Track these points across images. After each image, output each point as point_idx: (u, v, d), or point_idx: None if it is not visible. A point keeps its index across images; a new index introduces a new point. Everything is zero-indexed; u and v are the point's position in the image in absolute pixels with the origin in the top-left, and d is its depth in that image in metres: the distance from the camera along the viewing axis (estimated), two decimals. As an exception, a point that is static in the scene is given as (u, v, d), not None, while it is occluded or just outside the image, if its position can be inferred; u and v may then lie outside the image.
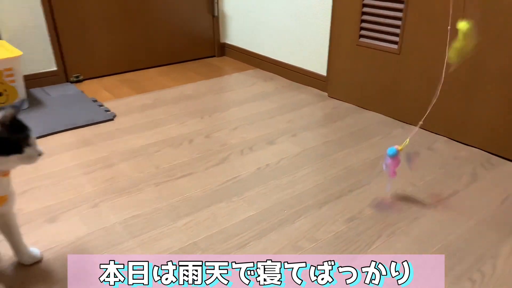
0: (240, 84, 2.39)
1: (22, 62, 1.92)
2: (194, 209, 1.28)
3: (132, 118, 1.93)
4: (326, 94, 2.21)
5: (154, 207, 1.29)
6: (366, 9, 1.86)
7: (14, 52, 1.88)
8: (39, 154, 0.92)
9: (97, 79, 2.44)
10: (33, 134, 0.93)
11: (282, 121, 1.90)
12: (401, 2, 1.72)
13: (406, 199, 1.33)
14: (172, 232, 1.18)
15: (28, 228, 1.19)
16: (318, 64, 2.24)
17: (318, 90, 2.27)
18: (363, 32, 1.91)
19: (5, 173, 0.91)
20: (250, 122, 1.89)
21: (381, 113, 1.96)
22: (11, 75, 1.84)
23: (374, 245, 1.12)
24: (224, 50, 2.90)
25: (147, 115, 1.97)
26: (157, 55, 2.64)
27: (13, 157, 0.88)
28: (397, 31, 1.78)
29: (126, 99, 2.15)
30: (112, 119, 1.90)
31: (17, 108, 0.88)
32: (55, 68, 2.28)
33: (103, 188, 1.39)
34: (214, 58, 2.88)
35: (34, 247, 1.08)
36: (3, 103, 1.87)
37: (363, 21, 1.89)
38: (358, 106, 2.05)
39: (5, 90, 1.86)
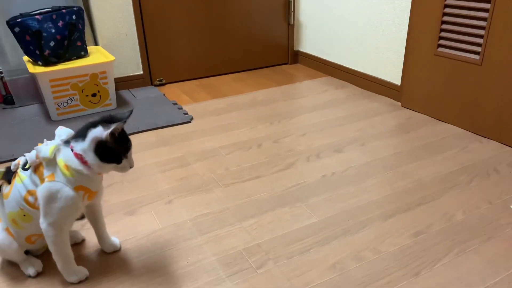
0: (311, 91, 2.41)
1: (114, 66, 2.12)
2: (259, 211, 1.33)
3: (207, 121, 2.04)
4: (399, 103, 2.16)
5: (222, 206, 1.37)
6: (446, 18, 1.79)
7: (108, 57, 2.08)
8: (131, 166, 1.01)
9: (177, 83, 2.61)
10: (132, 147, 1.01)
11: (351, 130, 1.89)
12: (485, 11, 1.64)
13: (480, 216, 1.26)
14: (237, 232, 1.24)
15: (110, 219, 1.32)
16: (392, 73, 2.19)
17: (391, 100, 2.22)
18: (442, 42, 1.84)
19: (100, 173, 1.01)
20: (319, 129, 1.91)
21: (458, 126, 1.87)
22: (105, 77, 2.05)
23: (441, 262, 1.09)
24: (297, 57, 2.94)
25: (221, 119, 2.07)
26: (234, 61, 2.76)
27: (111, 166, 0.97)
28: (480, 41, 1.69)
29: (203, 103, 2.28)
30: (189, 122, 2.03)
31: (126, 119, 0.96)
32: (141, 72, 2.48)
33: (177, 186, 1.50)
34: (287, 65, 2.93)
35: (115, 237, 1.20)
36: (96, 102, 2.09)
37: (442, 30, 1.82)
38: (433, 117, 1.97)
39: (98, 91, 2.07)
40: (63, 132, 1.01)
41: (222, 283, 1.05)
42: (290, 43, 2.88)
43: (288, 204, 1.36)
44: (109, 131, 0.92)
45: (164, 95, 2.38)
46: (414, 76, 2.02)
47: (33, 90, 2.22)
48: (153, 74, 2.53)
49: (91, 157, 0.94)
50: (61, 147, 0.97)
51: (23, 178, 0.99)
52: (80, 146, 0.94)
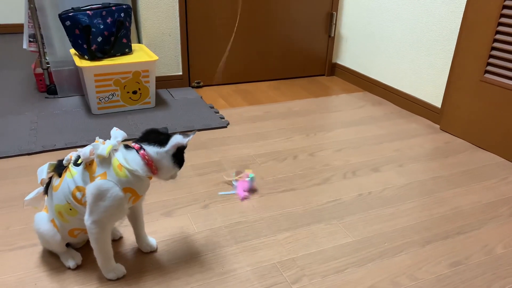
0: (348, 106, 2.40)
1: (156, 65, 2.16)
2: (294, 225, 1.33)
3: (243, 128, 2.05)
4: (438, 126, 2.12)
5: (257, 216, 1.37)
6: (497, 44, 1.75)
7: (152, 56, 2.12)
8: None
9: (215, 86, 2.64)
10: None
11: (388, 149, 1.87)
12: (540, 40, 1.60)
13: (521, 253, 1.23)
14: (272, 244, 1.24)
15: (147, 218, 1.34)
16: (433, 94, 2.16)
17: (430, 121, 2.18)
18: (489, 68, 1.80)
19: (151, 177, 1.05)
20: (355, 146, 1.89)
21: (499, 155, 1.83)
22: (147, 76, 2.09)
23: (481, 298, 1.06)
24: (334, 70, 2.93)
25: (257, 126, 2.08)
26: (271, 69, 2.77)
27: (175, 170, 1.05)
28: (531, 70, 1.65)
29: (239, 109, 2.30)
30: (225, 127, 2.05)
31: (196, 130, 1.07)
32: (180, 73, 2.52)
33: (214, 191, 1.51)
34: (323, 77, 2.93)
35: (152, 237, 1.22)
36: (136, 100, 2.13)
37: (491, 56, 1.79)
38: (474, 144, 1.93)
39: (139, 89, 2.11)
40: (118, 134, 1.04)
41: (257, 295, 1.05)
42: (328, 55, 2.87)
43: (324, 221, 1.35)
44: (189, 138, 1.03)
45: (201, 97, 2.41)
46: (457, 100, 1.99)
47: (76, 82, 2.28)
48: (191, 76, 2.56)
49: (167, 161, 1.02)
50: (118, 148, 1.01)
51: (73, 173, 1.02)
52: (156, 150, 1.01)
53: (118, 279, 1.09)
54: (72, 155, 1.06)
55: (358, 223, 1.35)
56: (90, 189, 0.97)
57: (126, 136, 1.05)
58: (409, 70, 2.29)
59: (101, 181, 0.97)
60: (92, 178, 0.99)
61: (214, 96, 2.48)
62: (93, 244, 1.03)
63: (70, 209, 1.03)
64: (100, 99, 2.05)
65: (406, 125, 2.14)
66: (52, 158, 1.68)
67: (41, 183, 1.08)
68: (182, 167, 1.07)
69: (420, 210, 1.43)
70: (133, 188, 1.00)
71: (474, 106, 1.90)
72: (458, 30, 1.94)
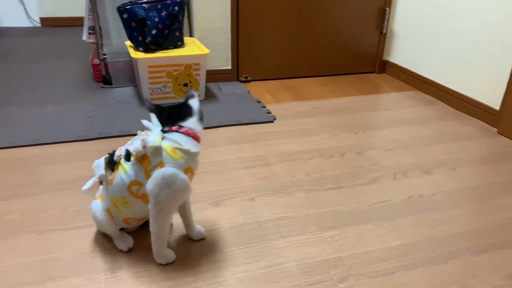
0: (398, 105, 2.33)
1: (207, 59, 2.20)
2: (341, 224, 1.32)
3: (289, 123, 2.05)
4: (495, 130, 2.02)
5: (303, 212, 1.37)
6: None
7: (203, 50, 2.16)
8: None
9: (262, 81, 2.65)
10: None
11: (440, 151, 1.80)
12: None
13: None
14: (318, 242, 1.23)
15: (195, 207, 1.37)
16: (491, 95, 2.05)
17: (485, 124, 2.08)
18: (557, 69, 1.69)
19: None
20: (405, 146, 1.84)
21: None
22: (198, 69, 2.13)
23: (540, 312, 1.01)
24: (385, 67, 2.85)
25: (303, 122, 2.07)
26: (318, 65, 2.74)
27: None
28: None
29: (285, 104, 2.29)
30: (272, 121, 2.05)
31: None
32: (229, 67, 2.54)
33: (260, 184, 1.52)
34: (373, 74, 2.86)
35: (200, 226, 1.25)
36: (186, 92, 2.17)
37: (560, 57, 1.67)
38: (534, 149, 1.83)
39: (190, 82, 2.15)
40: (153, 121, 1.06)
41: (302, 291, 1.05)
42: (379, 52, 2.80)
43: (372, 221, 1.33)
44: (198, 101, 1.09)
45: (249, 92, 2.42)
46: (518, 102, 1.88)
47: (130, 74, 2.37)
48: (240, 71, 2.58)
49: (199, 126, 1.06)
50: (165, 135, 1.03)
51: (126, 168, 1.05)
52: (192, 122, 1.04)
53: (167, 264, 1.12)
54: (121, 150, 1.09)
55: (408, 226, 1.31)
56: (154, 180, 1.00)
57: (173, 118, 1.06)
58: (466, 70, 2.19)
59: (163, 169, 0.99)
60: (146, 171, 1.01)
61: (261, 91, 2.49)
62: (154, 229, 1.06)
63: (126, 203, 1.07)
64: (153, 90, 2.11)
65: (459, 127, 2.05)
66: (105, 145, 1.76)
67: (100, 179, 1.11)
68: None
69: (473, 216, 1.37)
70: (190, 167, 1.04)
71: (537, 110, 1.80)
72: (523, 29, 1.84)
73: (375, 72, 2.86)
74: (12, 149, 1.71)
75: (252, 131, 1.96)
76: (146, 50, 2.09)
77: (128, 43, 2.23)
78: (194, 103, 1.07)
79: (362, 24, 2.70)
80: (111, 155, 1.10)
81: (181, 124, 1.03)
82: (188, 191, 1.05)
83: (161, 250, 1.11)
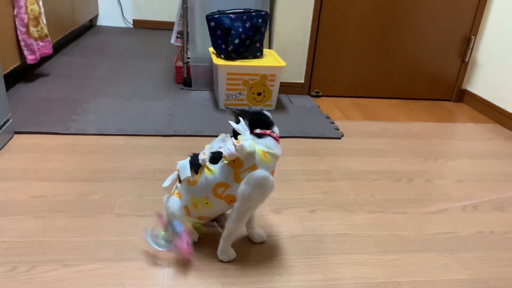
0: (474, 136, 2.23)
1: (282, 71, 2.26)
2: (403, 249, 1.29)
3: (357, 142, 2.04)
4: None
5: (364, 232, 1.36)
6: None
7: (280, 62, 2.23)
8: None
9: (332, 97, 2.66)
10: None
11: (518, 190, 1.70)
12: None
13: None
14: (377, 263, 1.22)
15: (256, 212, 1.41)
16: None
17: None
18: None
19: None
20: (479, 179, 1.76)
21: None
22: (273, 80, 2.20)
23: None
24: (463, 96, 2.74)
25: (372, 142, 2.05)
26: (393, 87, 2.70)
27: None
28: None
29: (355, 122, 2.29)
30: (339, 138, 2.06)
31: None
32: (302, 81, 2.59)
33: (321, 198, 1.54)
34: (449, 102, 2.76)
35: (261, 230, 1.29)
36: (259, 101, 2.25)
37: None
38: None
39: (264, 91, 2.23)
40: (242, 126, 1.11)
41: (357, 308, 1.05)
42: (459, 80, 2.70)
43: (436, 251, 1.29)
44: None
45: (318, 106, 2.45)
46: None
47: (209, 78, 2.50)
48: (312, 85, 2.62)
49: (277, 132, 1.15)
50: (255, 139, 1.09)
51: (214, 170, 1.08)
52: (276, 128, 1.14)
53: (229, 261, 1.17)
54: (205, 153, 1.12)
55: (475, 261, 1.26)
56: (249, 181, 1.06)
57: (265, 123, 1.14)
58: (556, 107, 2.05)
59: (257, 171, 1.06)
60: (236, 173, 1.06)
61: (331, 107, 2.50)
62: (234, 226, 1.12)
63: (207, 203, 1.12)
64: (228, 96, 2.21)
65: (542, 167, 1.92)
66: (181, 143, 1.87)
67: (184, 180, 1.13)
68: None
69: (549, 262, 1.28)
70: (274, 170, 1.12)
71: None
72: None
73: (452, 101, 2.76)
74: (99, 136, 1.88)
75: (319, 145, 1.98)
76: (227, 58, 2.20)
77: (211, 49, 2.36)
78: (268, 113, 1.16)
79: (444, 51, 2.62)
80: (194, 157, 1.13)
81: (273, 129, 1.13)
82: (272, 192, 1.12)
83: (227, 248, 1.17)
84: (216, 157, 1.10)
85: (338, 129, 2.15)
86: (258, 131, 1.10)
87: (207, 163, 1.11)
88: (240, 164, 1.06)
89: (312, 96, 2.63)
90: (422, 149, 2.02)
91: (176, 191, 1.18)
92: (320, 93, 2.64)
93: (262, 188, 1.07)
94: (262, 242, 1.27)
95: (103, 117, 2.06)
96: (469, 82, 2.70)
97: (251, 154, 1.05)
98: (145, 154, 1.76)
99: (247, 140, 1.07)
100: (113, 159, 1.70)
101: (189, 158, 1.15)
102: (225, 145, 1.10)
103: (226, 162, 1.07)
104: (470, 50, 2.61)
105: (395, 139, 2.11)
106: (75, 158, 1.68)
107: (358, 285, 1.13)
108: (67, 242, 1.21)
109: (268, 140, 1.09)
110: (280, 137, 2.08)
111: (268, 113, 1.17)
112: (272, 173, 1.10)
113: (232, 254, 1.18)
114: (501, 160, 1.96)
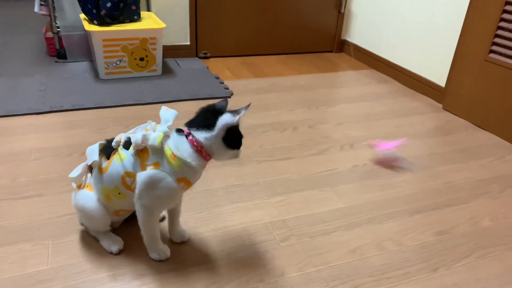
0: (353, 82, 2.41)
1: (163, 33, 2.19)
2: (288, 190, 1.38)
3: (246, 99, 2.08)
4: (440, 106, 2.13)
5: (253, 181, 1.42)
6: (503, 24, 1.74)
7: (160, 24, 2.15)
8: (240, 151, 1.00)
9: (222, 58, 2.66)
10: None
11: (389, 125, 1.89)
12: (547, 20, 1.59)
13: (507, 226, 1.26)
14: (265, 206, 1.29)
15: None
16: (438, 73, 2.16)
17: (433, 101, 2.19)
18: (495, 48, 1.79)
19: (205, 166, 0.98)
20: (356, 121, 1.92)
21: (498, 136, 1.84)
22: (154, 43, 2.12)
23: (460, 263, 1.10)
24: (342, 47, 2.92)
25: (261, 98, 2.11)
26: (279, 43, 2.77)
27: (233, 152, 0.96)
28: (536, 50, 1.64)
29: (245, 81, 2.32)
30: (229, 97, 2.08)
31: (246, 109, 0.96)
32: (188, 43, 2.54)
33: (212, 155, 1.56)
34: (331, 53, 2.92)
35: (185, 228, 1.15)
36: (143, 67, 2.16)
37: (497, 36, 1.78)
38: (474, 124, 1.94)
39: (146, 56, 2.14)
40: (169, 115, 0.97)
41: (246, 250, 1.10)
42: (337, 31, 2.86)
43: (317, 188, 1.40)
44: (240, 115, 0.92)
45: (207, 68, 2.44)
46: (460, 79, 1.99)
47: (85, 48, 2.32)
48: (199, 46, 2.58)
49: (217, 145, 0.93)
50: (170, 134, 0.95)
51: (123, 157, 0.96)
52: (204, 135, 0.92)
53: (161, 261, 1.05)
54: (121, 137, 1.00)
55: (351, 191, 1.39)
56: (142, 177, 0.93)
57: (178, 115, 0.98)
58: (417, 49, 2.28)
59: (154, 171, 0.92)
60: (143, 166, 0.94)
61: (221, 67, 2.50)
62: (140, 225, 1.00)
63: (119, 193, 0.99)
64: (108, 64, 2.09)
65: (409, 103, 2.15)
66: (59, 119, 1.74)
67: (93, 165, 1.02)
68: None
69: (413, 182, 1.46)
70: (186, 178, 0.95)
71: (477, 86, 1.91)
72: (466, 9, 1.93)
73: (334, 52, 2.93)
74: (-42, 121, 1.67)
75: (209, 105, 1.98)
76: (101, 23, 2.06)
77: (82, 16, 2.19)
78: (226, 118, 0.92)
79: (321, 3, 2.74)
80: (109, 141, 1.02)
81: (193, 131, 0.94)
82: (175, 200, 1.01)
83: (152, 245, 1.04)
84: (130, 143, 0.97)
85: (227, 88, 2.17)
86: (186, 128, 0.95)
87: (120, 148, 0.99)
88: (147, 156, 0.94)
89: (200, 58, 2.60)
90: (306, 99, 2.13)
91: (86, 184, 1.05)
92: (209, 54, 2.62)
93: (154, 191, 0.93)
94: (184, 242, 1.13)
95: (-38, 100, 1.82)
96: (347, 33, 2.88)
97: (157, 150, 0.93)
98: (18, 135, 1.61)
99: (159, 132, 0.94)
100: (-22, 143, 1.53)
101: (99, 142, 1.03)
102: (137, 131, 0.98)
103: (131, 149, 0.96)
104: (344, 2, 2.76)
105: (282, 93, 2.19)
106: None
107: (247, 228, 1.18)
108: None
109: (180, 141, 0.94)
110: (168, 101, 2.07)
111: (224, 119, 0.92)
112: (184, 181, 0.95)
113: (164, 253, 1.05)
114: (375, 102, 2.15)
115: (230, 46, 2.66)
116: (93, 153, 1.01)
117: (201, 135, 0.93)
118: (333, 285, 1.01)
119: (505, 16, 1.73)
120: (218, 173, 1.44)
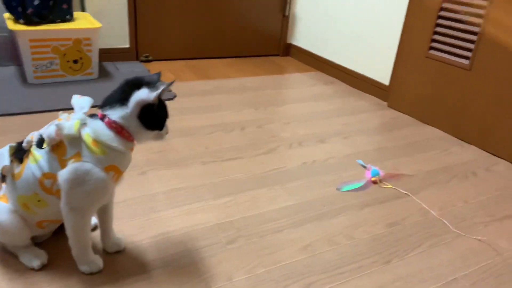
0: (300, 84, 2.39)
1: (99, 35, 2.05)
2: (236, 190, 1.30)
3: (191, 101, 1.99)
4: (385, 103, 2.15)
5: (198, 182, 1.33)
6: (441, 21, 1.79)
7: (95, 24, 2.01)
8: (167, 133, 0.91)
9: (164, 61, 2.56)
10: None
11: (337, 123, 1.87)
12: (480, 17, 1.64)
13: (456, 214, 1.26)
14: (211, 208, 1.20)
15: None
16: (381, 72, 2.19)
17: (378, 99, 2.21)
18: (434, 44, 1.84)
19: (132, 148, 0.89)
20: (304, 120, 1.88)
21: (441, 129, 1.87)
22: (89, 45, 1.98)
23: (413, 253, 1.07)
24: (289, 50, 2.91)
25: (206, 100, 2.02)
26: (225, 47, 2.71)
27: (153, 133, 0.87)
28: (471, 46, 1.70)
29: (189, 83, 2.23)
30: (172, 99, 1.98)
31: (171, 83, 0.86)
32: (127, 46, 2.41)
33: (153, 158, 1.45)
34: (278, 57, 2.90)
35: (121, 236, 1.04)
36: (77, 70, 2.01)
37: (435, 33, 1.82)
38: (418, 119, 1.97)
39: (81, 58, 2.00)
40: (84, 101, 0.87)
41: (189, 256, 1.01)
42: (283, 35, 2.85)
43: (266, 186, 1.33)
44: (158, 92, 0.82)
45: (149, 71, 2.32)
46: (403, 77, 2.02)
47: (11, 51, 2.13)
48: (139, 49, 2.46)
49: (133, 124, 0.83)
50: (87, 121, 0.84)
51: (37, 158, 0.85)
52: (119, 113, 0.82)
53: (92, 273, 0.93)
54: (33, 135, 0.88)
55: (300, 188, 1.33)
56: (64, 175, 0.82)
57: (93, 102, 0.88)
58: (361, 50, 2.31)
59: (76, 163, 0.81)
60: (62, 162, 0.83)
61: (163, 70, 2.40)
62: (69, 233, 0.88)
63: (39, 201, 0.87)
64: (37, 67, 1.92)
65: (355, 102, 2.15)
66: (-21, 125, 1.56)
67: (4, 172, 0.89)
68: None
69: (362, 176, 1.43)
70: (115, 165, 0.84)
71: (419, 83, 1.94)
72: (406, 9, 1.97)
73: (280, 55, 2.91)
74: None
75: (150, 108, 1.87)
76: (28, 23, 1.89)
77: (7, 15, 2.00)
78: (141, 94, 0.82)
79: (265, 6, 2.72)
80: (19, 143, 0.89)
81: (108, 111, 0.83)
82: (107, 194, 0.87)
83: (82, 256, 0.92)
84: (43, 140, 0.85)
85: (170, 91, 2.06)
86: (100, 111, 0.84)
87: (32, 148, 0.87)
88: (63, 150, 0.83)
89: (141, 61, 2.48)
90: (253, 101, 2.07)
91: (1, 195, 0.93)
92: (150, 57, 2.50)
93: (83, 186, 0.82)
94: (120, 251, 1.01)
95: None
96: (292, 36, 2.87)
97: (75, 139, 0.82)
98: None
99: (73, 119, 0.83)
100: None
101: (9, 145, 0.90)
102: (49, 126, 0.86)
103: (47, 147, 0.85)
104: (288, 5, 2.76)
105: (229, 95, 2.12)
106: None
107: (190, 233, 1.09)
108: None
109: (97, 125, 0.83)
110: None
111: (140, 94, 0.82)
112: (114, 169, 0.84)
113: (95, 264, 0.93)
114: (322, 102, 2.14)
115: (173, 49, 2.56)
116: (3, 158, 0.88)
117: (116, 114, 0.83)
118: (284, 285, 0.94)
119: (443, 13, 1.78)
120: (158, 176, 1.34)
